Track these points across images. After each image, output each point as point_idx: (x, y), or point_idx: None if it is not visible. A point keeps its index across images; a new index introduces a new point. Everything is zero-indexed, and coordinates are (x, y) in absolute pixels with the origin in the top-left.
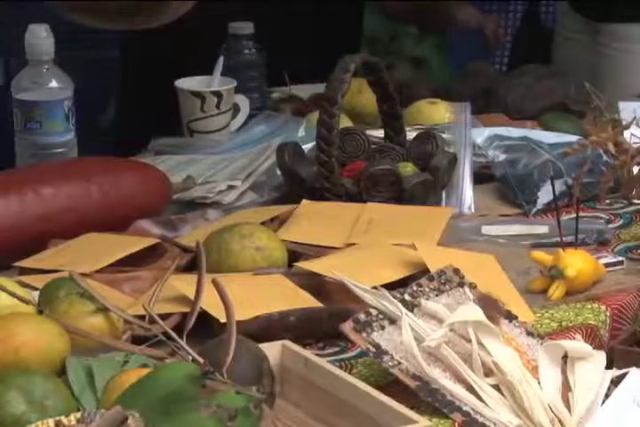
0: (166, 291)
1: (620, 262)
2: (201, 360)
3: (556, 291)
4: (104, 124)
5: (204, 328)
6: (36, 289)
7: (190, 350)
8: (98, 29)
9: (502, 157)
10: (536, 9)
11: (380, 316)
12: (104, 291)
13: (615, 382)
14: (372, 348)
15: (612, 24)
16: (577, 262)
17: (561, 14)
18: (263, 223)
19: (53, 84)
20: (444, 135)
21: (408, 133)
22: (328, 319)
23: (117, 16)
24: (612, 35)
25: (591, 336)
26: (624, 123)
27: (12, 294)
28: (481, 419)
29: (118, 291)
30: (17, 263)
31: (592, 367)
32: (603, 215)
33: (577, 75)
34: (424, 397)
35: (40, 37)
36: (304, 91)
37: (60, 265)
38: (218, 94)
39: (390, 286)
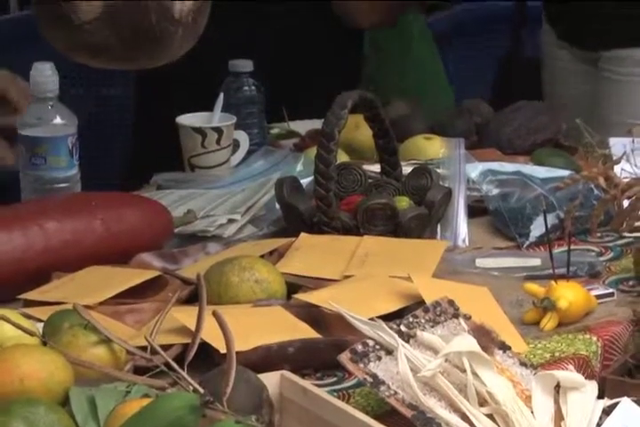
0: (168, 322)
1: (611, 294)
2: (201, 390)
3: (549, 322)
4: (107, 159)
5: (205, 359)
6: (40, 321)
7: (191, 381)
8: (101, 69)
9: (495, 191)
10: (517, 42)
11: (377, 347)
12: (107, 323)
13: (607, 411)
14: (368, 378)
15: (613, 50)
16: (569, 294)
17: (548, 45)
18: (262, 256)
19: (58, 120)
20: (438, 170)
21: (404, 168)
22: (326, 350)
23: (121, 57)
24: (614, 60)
25: (583, 367)
26: (614, 158)
27: (17, 326)
28: None
29: (121, 322)
30: (22, 296)
31: (584, 397)
32: (594, 248)
33: (576, 104)
34: (420, 426)
35: (45, 75)
36: (302, 126)
37: (64, 297)
38: (218, 130)
39: (387, 318)
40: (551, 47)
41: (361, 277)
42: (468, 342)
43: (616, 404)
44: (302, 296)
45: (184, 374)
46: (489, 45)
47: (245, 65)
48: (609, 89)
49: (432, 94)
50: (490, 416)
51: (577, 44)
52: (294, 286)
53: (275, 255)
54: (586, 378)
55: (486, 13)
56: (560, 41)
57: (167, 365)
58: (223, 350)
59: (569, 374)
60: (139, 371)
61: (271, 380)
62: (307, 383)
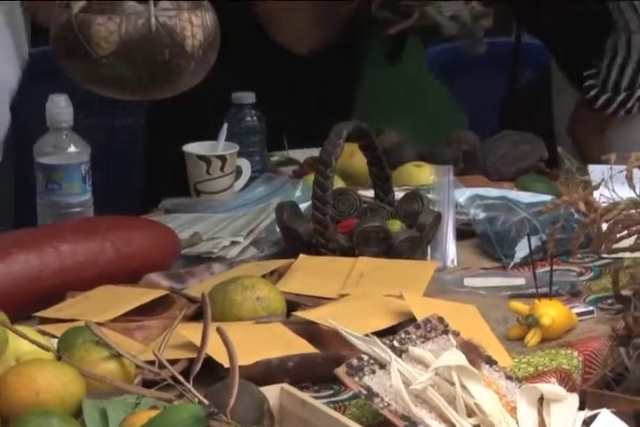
0: (174, 338)
1: (591, 312)
2: (206, 402)
3: (533, 338)
4: (118, 185)
5: (210, 373)
6: (55, 337)
7: (196, 393)
8: (113, 100)
9: (482, 215)
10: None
11: (371, 361)
12: (117, 339)
13: (587, 422)
14: (363, 390)
15: None
16: (551, 312)
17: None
18: (263, 276)
19: (72, 149)
20: (429, 195)
21: (396, 193)
22: (323, 364)
23: (134, 88)
24: None
25: (565, 380)
26: (593, 184)
27: (33, 342)
28: None
29: (130, 339)
30: (38, 313)
31: (566, 409)
32: (575, 268)
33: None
34: None
35: (60, 107)
36: (301, 154)
37: (78, 315)
38: (222, 158)
39: (380, 334)
40: (562, 89)
41: (356, 295)
42: (457, 357)
43: (596, 415)
44: (301, 314)
45: (190, 387)
46: (491, 76)
47: (247, 97)
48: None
49: (447, 125)
50: None
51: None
52: (293, 304)
53: (275, 275)
54: (567, 391)
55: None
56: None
57: (174, 378)
58: (227, 365)
59: (552, 387)
60: (147, 384)
61: (272, 392)
62: (305, 396)
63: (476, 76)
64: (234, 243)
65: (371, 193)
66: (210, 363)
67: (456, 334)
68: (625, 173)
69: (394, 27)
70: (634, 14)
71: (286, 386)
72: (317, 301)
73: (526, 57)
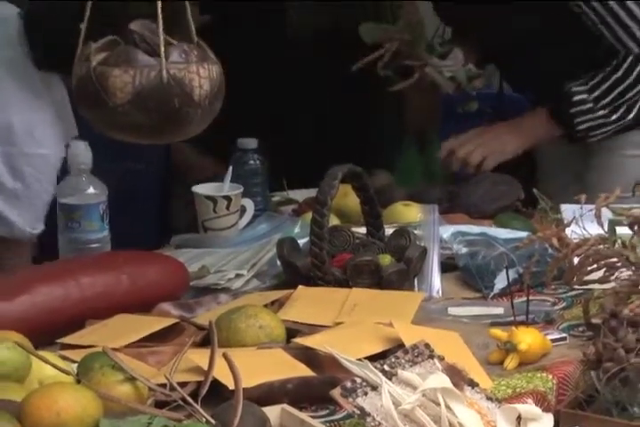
0: (184, 363)
1: (564, 338)
2: (213, 422)
3: (511, 362)
4: (133, 222)
5: (216, 394)
6: (75, 362)
7: (204, 413)
8: (129, 144)
9: (464, 249)
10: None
11: (364, 383)
12: (132, 363)
13: None
14: (356, 410)
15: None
16: (528, 338)
17: None
18: (265, 306)
19: (91, 190)
20: (416, 232)
21: (386, 230)
22: (320, 386)
23: (147, 134)
24: (599, 145)
25: (540, 401)
26: (565, 222)
27: (55, 366)
28: None
29: (144, 363)
30: (59, 340)
31: None
32: (549, 298)
33: (563, 176)
34: None
35: (80, 151)
36: (299, 195)
37: (96, 341)
38: (228, 198)
39: (372, 358)
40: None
41: (350, 323)
42: (442, 380)
43: None
44: (300, 340)
45: (198, 407)
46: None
47: (251, 143)
48: (599, 166)
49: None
50: None
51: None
52: (293, 331)
53: (276, 305)
54: (543, 411)
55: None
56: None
57: (183, 400)
58: (232, 387)
59: (528, 408)
60: (159, 405)
61: (273, 412)
62: (304, 415)
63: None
64: (238, 275)
65: (363, 230)
66: (216, 385)
67: (441, 359)
68: (594, 211)
69: (396, 85)
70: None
71: (286, 406)
72: (315, 328)
73: (509, 107)
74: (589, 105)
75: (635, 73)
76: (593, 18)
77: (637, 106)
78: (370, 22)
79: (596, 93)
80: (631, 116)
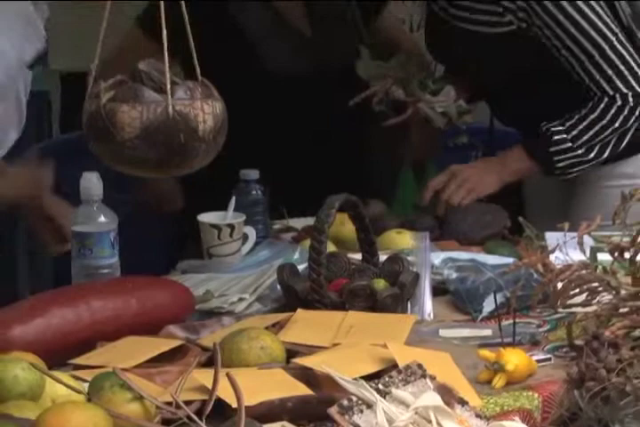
0: (189, 382)
1: (549, 359)
2: None
3: (499, 381)
4: (141, 249)
5: (220, 412)
6: (86, 381)
7: None
8: (137, 177)
9: (454, 275)
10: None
11: (359, 402)
12: (140, 383)
13: None
14: None
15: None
16: (515, 359)
17: None
18: (267, 328)
19: (102, 219)
20: (409, 258)
21: (381, 256)
22: (318, 404)
23: (154, 167)
24: (581, 177)
25: (527, 418)
26: (550, 249)
27: (67, 386)
28: None
29: (151, 382)
30: (71, 361)
31: None
32: (534, 321)
33: (549, 208)
34: None
35: (92, 182)
36: (299, 223)
37: (106, 362)
38: (231, 226)
39: (367, 378)
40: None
41: (346, 344)
42: (434, 398)
43: None
44: (299, 360)
45: (203, 425)
46: (465, 158)
47: (253, 174)
48: (582, 196)
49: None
50: None
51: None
52: (292, 352)
53: (277, 327)
54: None
55: None
56: None
57: (189, 417)
58: (235, 405)
59: (515, 425)
60: (166, 422)
61: None
62: None
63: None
64: (241, 299)
65: (358, 256)
66: (220, 404)
67: (433, 379)
68: (577, 239)
69: (390, 120)
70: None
71: (286, 424)
72: (313, 349)
73: (500, 140)
74: (568, 144)
75: (609, 114)
76: (572, 62)
77: (611, 145)
78: (366, 60)
79: (574, 133)
80: (606, 154)
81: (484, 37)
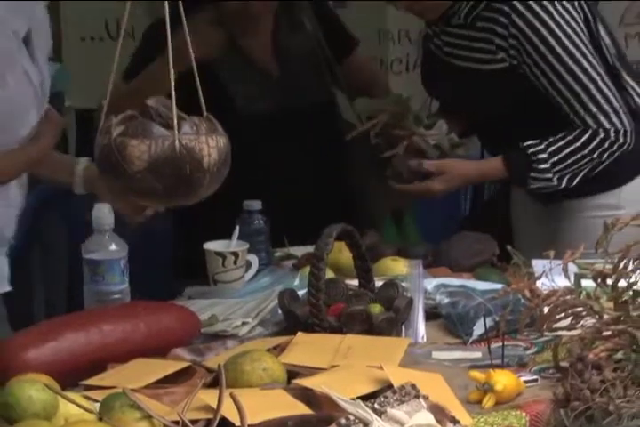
0: (195, 402)
1: (536, 380)
2: None
3: (488, 401)
4: (149, 275)
5: None
6: (97, 401)
7: None
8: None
9: (446, 300)
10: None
11: (357, 420)
12: (149, 402)
13: None
14: None
15: (568, 200)
16: (503, 380)
17: (515, 200)
18: (268, 350)
19: (113, 247)
20: (403, 284)
21: (376, 282)
22: (317, 423)
23: (162, 198)
24: (566, 207)
25: None
26: (536, 275)
27: (79, 405)
28: None
29: (159, 402)
30: (83, 382)
31: None
32: (522, 344)
33: (535, 236)
34: None
35: (103, 213)
36: (299, 251)
37: (116, 383)
38: (235, 254)
39: (364, 398)
40: (519, 197)
41: (344, 366)
42: (427, 417)
43: None
44: (299, 381)
45: None
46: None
47: (255, 205)
48: (566, 226)
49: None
50: None
51: (540, 195)
52: (293, 373)
53: (278, 349)
54: None
55: None
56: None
57: None
58: (238, 424)
59: None
60: None
61: None
62: None
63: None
64: (244, 323)
65: (355, 282)
66: (224, 422)
67: (426, 398)
68: (562, 266)
69: (386, 152)
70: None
71: None
72: (312, 370)
73: None
74: (547, 166)
75: (591, 145)
76: (558, 99)
77: (581, 175)
78: (364, 97)
79: (555, 159)
80: (574, 183)
81: (478, 74)
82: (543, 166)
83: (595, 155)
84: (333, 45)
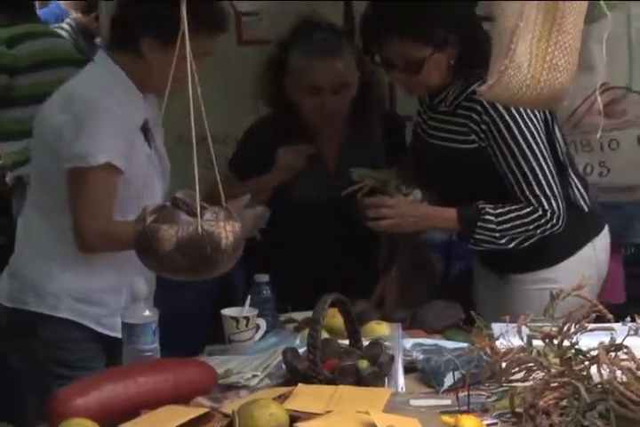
0: None
1: (496, 424)
2: None
3: None
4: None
5: None
6: None
7: None
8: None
9: (421, 356)
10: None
11: None
12: None
13: None
14: None
15: (517, 275)
16: (470, 423)
17: (477, 269)
18: (274, 398)
19: (146, 313)
20: (386, 343)
21: (364, 342)
22: None
23: (187, 273)
24: (516, 281)
25: None
26: (495, 336)
27: None
28: None
29: None
30: (120, 425)
31: None
32: (484, 393)
33: (494, 304)
34: None
35: (141, 285)
36: (299, 316)
37: (148, 426)
38: (247, 318)
39: None
40: (480, 274)
41: (337, 412)
42: None
43: None
44: (300, 425)
45: None
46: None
47: (263, 277)
48: (519, 296)
49: None
50: None
51: (495, 271)
52: (294, 417)
53: (282, 398)
54: None
55: None
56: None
57: None
58: None
59: None
60: None
61: None
62: None
63: None
64: (254, 376)
65: (346, 342)
66: None
67: None
68: (516, 329)
69: (343, 191)
70: None
71: None
72: (311, 415)
73: (458, 250)
74: (493, 226)
75: (531, 218)
76: (511, 179)
77: (516, 241)
78: (361, 168)
79: (500, 219)
80: (510, 245)
81: (452, 152)
82: (489, 219)
83: (531, 226)
84: (390, 153)
